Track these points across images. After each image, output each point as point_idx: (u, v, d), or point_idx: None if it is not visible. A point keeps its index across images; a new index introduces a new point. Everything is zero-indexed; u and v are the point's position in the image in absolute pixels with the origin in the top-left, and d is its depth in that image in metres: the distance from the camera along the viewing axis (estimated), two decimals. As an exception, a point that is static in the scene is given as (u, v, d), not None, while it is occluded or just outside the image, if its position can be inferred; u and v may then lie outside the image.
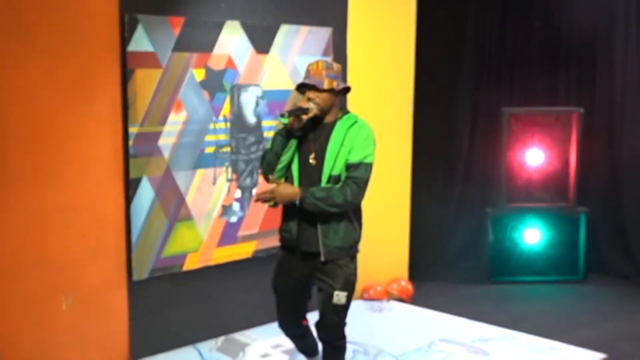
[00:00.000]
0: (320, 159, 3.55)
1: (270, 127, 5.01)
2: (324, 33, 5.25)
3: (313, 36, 5.18)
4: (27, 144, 3.94)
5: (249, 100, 4.89)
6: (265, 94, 4.97)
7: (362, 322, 5.07)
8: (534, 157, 6.59)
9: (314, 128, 3.60)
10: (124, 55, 4.25)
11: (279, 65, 5.01)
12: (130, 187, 4.35)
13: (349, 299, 3.62)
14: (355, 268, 3.66)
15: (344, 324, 3.68)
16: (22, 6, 3.86)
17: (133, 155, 4.34)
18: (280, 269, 3.81)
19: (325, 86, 3.52)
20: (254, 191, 4.98)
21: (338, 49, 5.37)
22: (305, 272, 3.68)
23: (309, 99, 3.53)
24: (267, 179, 3.67)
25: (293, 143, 3.59)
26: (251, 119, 4.92)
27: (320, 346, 3.88)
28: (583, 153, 6.55)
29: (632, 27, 6.62)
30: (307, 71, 3.61)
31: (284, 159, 3.60)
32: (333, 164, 3.53)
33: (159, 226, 4.51)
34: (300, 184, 3.59)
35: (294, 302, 3.83)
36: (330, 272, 3.59)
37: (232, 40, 4.75)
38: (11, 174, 3.89)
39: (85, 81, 4.14)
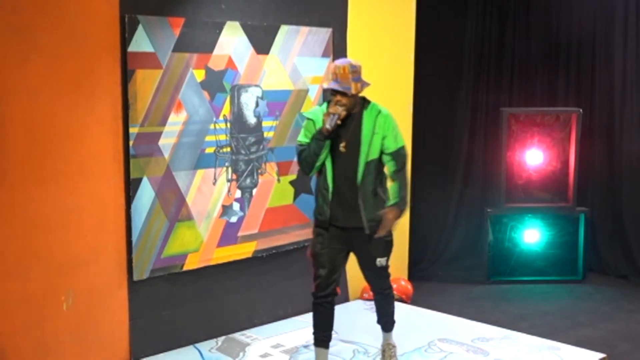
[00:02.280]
0: (353, 147, 4.02)
1: (271, 127, 5.02)
2: (324, 33, 5.26)
3: (313, 37, 5.19)
4: (27, 144, 3.94)
5: (249, 101, 4.90)
6: (266, 94, 4.97)
7: (362, 322, 5.07)
8: (533, 157, 6.60)
9: (343, 123, 4.04)
10: (124, 56, 4.26)
11: (279, 65, 5.02)
12: (130, 187, 4.36)
13: (389, 258, 4.22)
14: (391, 233, 4.17)
15: (388, 276, 4.28)
16: (22, 6, 3.87)
17: (133, 155, 4.35)
18: (320, 242, 4.16)
19: (353, 91, 3.96)
20: (254, 191, 4.99)
21: (338, 49, 5.37)
22: (343, 244, 4.14)
23: (337, 102, 3.96)
24: (305, 174, 4.28)
25: (328, 142, 4.02)
26: (251, 119, 4.93)
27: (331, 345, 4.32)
28: (582, 153, 6.56)
29: (631, 28, 6.63)
30: (334, 74, 3.99)
31: (322, 157, 4.03)
32: (368, 150, 4.03)
33: (160, 226, 4.52)
34: (334, 171, 4.06)
35: (332, 268, 4.15)
36: (372, 243, 4.10)
37: (232, 41, 4.75)
38: (11, 174, 3.90)
39: (86, 81, 4.14)
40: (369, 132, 4.03)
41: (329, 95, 5.25)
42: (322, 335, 4.23)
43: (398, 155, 4.07)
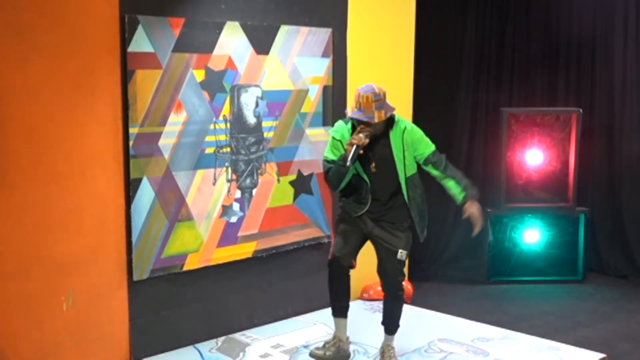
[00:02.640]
0: (386, 167, 4.20)
1: (270, 127, 5.02)
2: (323, 34, 5.25)
3: (313, 37, 5.19)
4: (27, 145, 3.94)
5: (249, 101, 4.90)
6: (265, 95, 4.97)
7: (362, 322, 5.07)
8: (533, 157, 6.61)
9: (374, 139, 4.17)
10: (124, 56, 4.25)
11: (278, 65, 5.01)
12: (130, 188, 4.36)
13: (408, 256, 4.36)
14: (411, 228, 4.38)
15: (402, 275, 4.37)
16: (22, 6, 3.87)
17: (133, 155, 4.35)
18: (344, 219, 4.38)
19: (376, 120, 4.09)
20: (254, 191, 4.99)
21: (338, 49, 5.37)
22: (365, 229, 4.30)
23: (361, 130, 4.09)
24: (333, 190, 4.46)
25: (352, 168, 4.17)
26: (251, 120, 4.93)
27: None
28: (582, 153, 6.56)
29: (631, 27, 6.63)
30: (358, 102, 4.14)
31: (347, 178, 4.21)
32: (404, 168, 4.22)
33: (159, 226, 4.52)
34: (372, 187, 4.23)
35: (352, 244, 4.34)
36: (396, 235, 4.27)
37: (232, 41, 4.75)
38: (11, 174, 3.90)
39: (86, 82, 4.14)
40: (399, 150, 4.19)
41: (330, 95, 5.30)
42: (339, 305, 4.43)
43: (434, 156, 4.24)
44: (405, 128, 4.22)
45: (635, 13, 6.60)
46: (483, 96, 7.26)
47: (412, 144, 4.22)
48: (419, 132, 4.26)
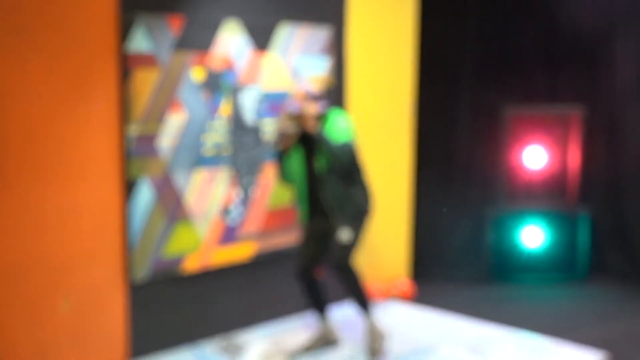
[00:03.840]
0: (316, 163, 4.35)
1: (270, 126, 5.01)
2: (323, 32, 5.24)
3: (313, 35, 5.18)
4: (25, 144, 3.93)
5: (248, 100, 4.89)
6: (265, 94, 4.96)
7: (361, 323, 5.06)
8: (534, 157, 6.59)
9: (309, 139, 4.36)
10: (123, 55, 4.25)
11: (278, 64, 5.00)
12: (129, 188, 4.35)
13: (355, 238, 4.37)
14: (360, 214, 4.42)
15: (344, 254, 4.36)
16: (22, 6, 3.86)
17: (132, 155, 4.34)
18: (305, 230, 4.59)
19: (300, 111, 4.31)
20: (254, 192, 4.97)
21: (338, 47, 5.36)
22: (322, 234, 4.46)
23: (291, 121, 4.34)
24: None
25: (286, 161, 4.41)
26: (250, 119, 4.91)
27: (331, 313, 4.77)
28: (584, 153, 6.54)
29: (632, 27, 6.61)
30: (293, 97, 4.45)
31: (287, 171, 4.44)
32: (326, 165, 4.29)
33: (158, 227, 4.50)
34: (308, 185, 4.43)
35: (311, 252, 4.53)
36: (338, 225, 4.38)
37: (231, 40, 4.74)
38: (9, 175, 3.89)
39: (84, 81, 4.14)
40: (321, 148, 4.28)
41: (330, 94, 5.28)
42: (315, 310, 4.66)
43: (339, 149, 4.23)
44: (326, 124, 4.32)
45: (636, 12, 6.58)
46: (483, 96, 7.24)
47: (327, 140, 4.26)
48: (335, 130, 4.29)
